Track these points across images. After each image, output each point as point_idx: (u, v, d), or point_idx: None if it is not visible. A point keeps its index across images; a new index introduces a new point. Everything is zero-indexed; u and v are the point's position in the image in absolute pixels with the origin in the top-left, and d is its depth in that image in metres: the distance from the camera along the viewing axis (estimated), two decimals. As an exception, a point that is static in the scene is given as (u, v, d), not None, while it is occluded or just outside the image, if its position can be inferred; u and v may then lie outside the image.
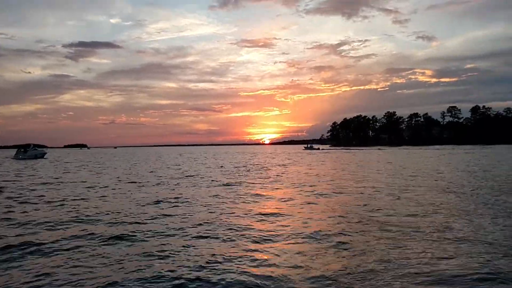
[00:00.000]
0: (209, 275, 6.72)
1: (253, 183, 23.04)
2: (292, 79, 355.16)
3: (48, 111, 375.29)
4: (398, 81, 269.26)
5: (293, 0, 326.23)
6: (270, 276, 6.65)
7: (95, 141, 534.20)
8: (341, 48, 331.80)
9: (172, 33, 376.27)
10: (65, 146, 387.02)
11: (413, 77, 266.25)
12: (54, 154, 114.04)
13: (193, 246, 8.59)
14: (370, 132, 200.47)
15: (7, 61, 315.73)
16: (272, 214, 12.41)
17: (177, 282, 6.46)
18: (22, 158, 69.09)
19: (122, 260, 7.72)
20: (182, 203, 15.12)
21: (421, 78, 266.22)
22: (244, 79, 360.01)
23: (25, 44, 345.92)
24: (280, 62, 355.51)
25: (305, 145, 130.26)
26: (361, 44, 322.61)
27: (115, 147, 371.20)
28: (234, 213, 12.74)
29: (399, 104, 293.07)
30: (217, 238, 9.34)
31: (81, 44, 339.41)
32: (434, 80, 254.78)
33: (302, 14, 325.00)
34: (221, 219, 11.56)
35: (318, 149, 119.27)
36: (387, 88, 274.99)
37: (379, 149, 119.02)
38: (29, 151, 71.14)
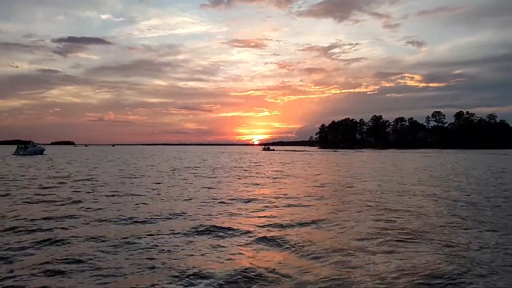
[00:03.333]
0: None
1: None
2: (283, 80, 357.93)
3: (35, 107, 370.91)
4: (387, 85, 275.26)
5: (286, 2, 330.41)
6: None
7: (82, 139, 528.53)
8: (332, 51, 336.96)
9: (163, 30, 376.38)
10: (52, 143, 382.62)
11: (402, 81, 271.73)
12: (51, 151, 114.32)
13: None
14: (357, 135, 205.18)
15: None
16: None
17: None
18: (22, 154, 70.68)
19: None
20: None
21: (410, 83, 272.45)
22: (234, 79, 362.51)
23: (13, 38, 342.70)
24: (271, 63, 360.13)
25: (263, 147, 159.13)
26: (351, 48, 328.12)
27: (113, 145, 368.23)
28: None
29: (388, 108, 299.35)
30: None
31: (71, 39, 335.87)
32: (422, 84, 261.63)
33: (294, 16, 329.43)
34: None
35: (274, 150, 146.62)
36: (376, 92, 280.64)
37: (334, 151, 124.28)
38: (29, 147, 72.82)
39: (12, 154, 73.14)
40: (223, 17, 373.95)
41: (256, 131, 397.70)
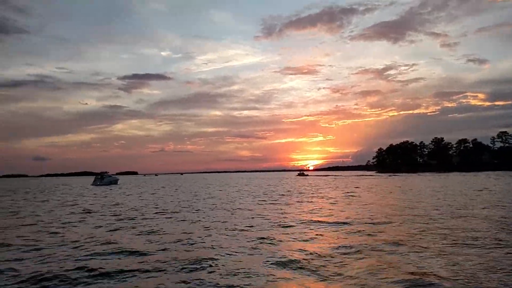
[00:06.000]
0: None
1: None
2: (336, 105, 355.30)
3: (102, 140, 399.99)
4: (449, 105, 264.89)
5: (337, 27, 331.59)
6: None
7: (144, 169, 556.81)
8: (388, 72, 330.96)
9: (218, 63, 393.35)
10: (116, 174, 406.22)
11: (464, 100, 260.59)
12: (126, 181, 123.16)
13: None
14: (418, 158, 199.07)
15: (66, 93, 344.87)
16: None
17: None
18: (100, 184, 78.70)
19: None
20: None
21: (473, 102, 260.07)
22: (287, 105, 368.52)
23: (82, 77, 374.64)
24: (324, 88, 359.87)
25: (298, 172, 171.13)
26: (408, 68, 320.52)
27: (182, 174, 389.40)
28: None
29: (449, 129, 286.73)
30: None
31: (134, 76, 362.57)
32: (487, 103, 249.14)
33: (347, 40, 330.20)
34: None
35: (307, 175, 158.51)
36: (437, 113, 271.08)
37: (394, 175, 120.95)
38: (105, 178, 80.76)
39: (91, 185, 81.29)
40: (275, 46, 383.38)
41: (311, 157, 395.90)
